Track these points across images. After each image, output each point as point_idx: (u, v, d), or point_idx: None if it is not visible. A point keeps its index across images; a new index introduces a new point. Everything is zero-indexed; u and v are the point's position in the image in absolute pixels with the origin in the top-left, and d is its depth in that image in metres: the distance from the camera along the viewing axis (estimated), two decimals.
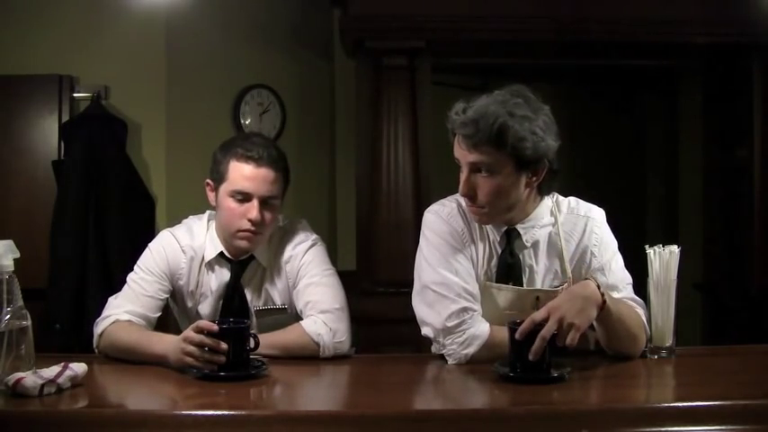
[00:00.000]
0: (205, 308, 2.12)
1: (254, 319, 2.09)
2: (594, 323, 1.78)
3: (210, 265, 2.12)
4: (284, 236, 2.14)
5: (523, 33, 3.57)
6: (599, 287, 1.73)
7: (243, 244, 2.06)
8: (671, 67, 4.52)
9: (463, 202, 1.91)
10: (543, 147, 1.80)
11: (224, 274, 2.11)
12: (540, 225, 1.91)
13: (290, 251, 2.11)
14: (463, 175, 1.84)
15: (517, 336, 1.63)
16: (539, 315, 1.64)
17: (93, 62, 3.64)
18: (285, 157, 2.10)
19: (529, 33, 3.57)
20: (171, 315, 2.23)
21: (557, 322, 1.62)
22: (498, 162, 1.79)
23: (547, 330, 1.61)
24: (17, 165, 3.62)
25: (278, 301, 2.12)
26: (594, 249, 1.91)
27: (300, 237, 2.14)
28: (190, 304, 2.13)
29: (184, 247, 2.10)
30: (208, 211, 2.18)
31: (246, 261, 2.11)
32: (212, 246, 2.11)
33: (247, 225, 2.02)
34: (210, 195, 2.10)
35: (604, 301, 1.71)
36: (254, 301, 2.12)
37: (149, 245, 2.13)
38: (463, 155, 1.83)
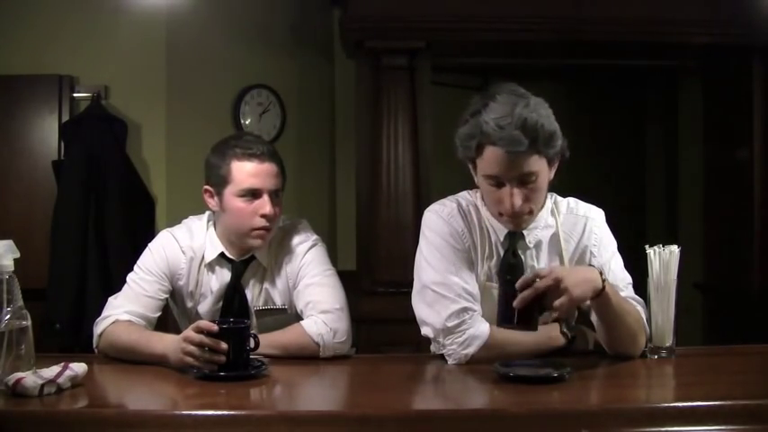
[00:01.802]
0: (205, 308, 2.12)
1: (254, 320, 2.09)
2: (594, 320, 1.79)
3: (211, 266, 2.11)
4: (285, 236, 2.14)
5: (523, 33, 3.57)
6: (602, 275, 1.73)
7: (257, 243, 2.05)
8: (671, 67, 4.52)
9: (463, 202, 1.92)
10: (563, 139, 1.80)
11: (224, 275, 2.11)
12: (543, 226, 1.91)
13: (290, 251, 2.11)
14: (506, 190, 1.77)
15: (518, 285, 1.65)
16: (542, 271, 1.67)
17: (93, 62, 3.64)
18: (277, 150, 2.11)
19: (529, 33, 3.57)
20: (170, 315, 2.23)
21: (554, 281, 1.64)
22: (540, 167, 1.78)
23: (542, 283, 1.64)
24: (17, 165, 3.62)
25: (278, 301, 2.12)
26: (594, 249, 1.91)
27: (301, 237, 2.13)
28: (190, 304, 2.13)
29: (184, 248, 2.10)
30: (207, 212, 2.17)
31: (247, 261, 2.11)
32: (212, 246, 2.11)
33: (261, 221, 2.02)
34: (211, 202, 2.08)
35: (603, 288, 1.72)
36: (254, 301, 2.12)
37: (149, 245, 2.13)
38: (507, 169, 1.75)
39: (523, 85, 1.83)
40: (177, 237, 2.12)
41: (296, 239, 2.13)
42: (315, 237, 2.16)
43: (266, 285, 2.12)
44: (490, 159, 1.76)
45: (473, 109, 1.79)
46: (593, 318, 1.84)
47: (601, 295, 1.72)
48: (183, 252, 2.10)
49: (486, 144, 1.75)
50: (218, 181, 2.04)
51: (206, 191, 2.09)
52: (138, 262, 2.10)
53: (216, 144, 2.10)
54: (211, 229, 2.13)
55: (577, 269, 1.80)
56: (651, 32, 3.59)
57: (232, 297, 2.10)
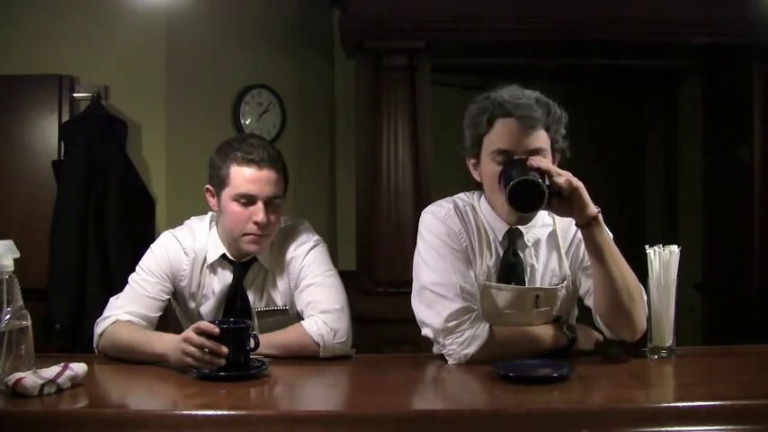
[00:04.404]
0: (207, 309, 2.12)
1: (255, 321, 2.09)
2: (587, 301, 1.82)
3: (213, 267, 2.11)
4: (286, 237, 2.14)
5: (523, 33, 3.57)
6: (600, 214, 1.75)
7: (251, 248, 2.05)
8: (671, 67, 4.52)
9: (459, 203, 1.92)
10: (567, 134, 1.84)
11: (226, 276, 2.11)
12: (540, 224, 1.92)
13: (291, 252, 2.11)
14: None
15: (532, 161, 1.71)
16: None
17: (93, 62, 3.64)
18: (282, 155, 2.10)
19: (529, 33, 3.57)
20: (171, 315, 2.23)
21: (567, 172, 1.71)
22: (547, 147, 1.81)
23: (556, 169, 1.71)
24: (17, 165, 3.61)
25: (279, 302, 2.12)
26: None
27: (302, 238, 2.13)
28: (192, 305, 2.13)
29: (186, 249, 2.10)
30: (210, 213, 2.17)
31: (249, 263, 2.11)
32: (215, 248, 2.11)
33: (254, 228, 2.01)
34: (212, 201, 2.09)
35: (597, 215, 1.73)
36: (256, 302, 2.12)
37: (151, 246, 2.13)
38: (518, 142, 1.78)
39: (523, 86, 1.86)
40: (179, 238, 2.12)
41: (297, 241, 2.13)
42: (316, 237, 2.15)
43: (268, 287, 2.12)
44: (501, 132, 1.79)
45: (484, 94, 1.84)
46: (588, 303, 1.85)
47: (597, 219, 1.73)
48: (185, 253, 2.10)
49: (499, 116, 1.79)
50: (218, 182, 2.05)
51: (207, 190, 2.10)
52: (141, 263, 2.10)
53: (221, 144, 2.10)
54: (214, 229, 2.13)
55: None
56: (651, 32, 3.59)
57: (234, 299, 2.11)
